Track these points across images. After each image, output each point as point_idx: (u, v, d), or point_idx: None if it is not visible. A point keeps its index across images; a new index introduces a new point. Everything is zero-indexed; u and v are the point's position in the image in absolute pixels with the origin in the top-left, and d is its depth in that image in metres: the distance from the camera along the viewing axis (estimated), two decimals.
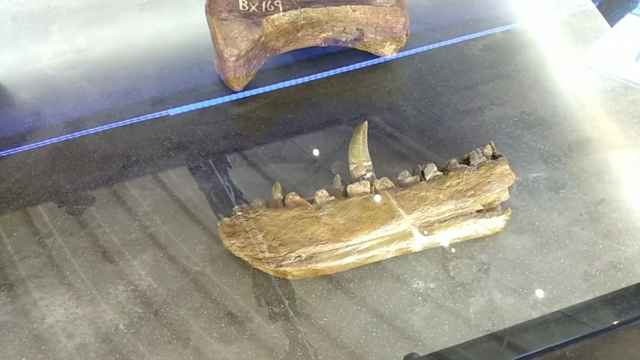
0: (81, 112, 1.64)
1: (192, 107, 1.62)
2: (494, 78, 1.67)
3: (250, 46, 1.47)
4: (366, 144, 1.39)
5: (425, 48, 1.75)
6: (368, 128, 1.42)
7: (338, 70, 1.67)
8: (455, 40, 1.77)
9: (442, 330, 1.22)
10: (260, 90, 1.64)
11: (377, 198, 1.28)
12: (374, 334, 1.23)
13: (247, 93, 1.63)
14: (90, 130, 1.58)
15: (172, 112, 1.61)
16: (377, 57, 1.69)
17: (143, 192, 1.45)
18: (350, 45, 1.66)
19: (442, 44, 1.76)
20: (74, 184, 1.47)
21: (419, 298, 1.27)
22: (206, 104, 1.61)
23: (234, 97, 1.64)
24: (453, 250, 1.34)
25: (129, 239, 1.37)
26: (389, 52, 1.66)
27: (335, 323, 1.24)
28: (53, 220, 1.40)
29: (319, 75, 1.66)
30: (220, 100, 1.63)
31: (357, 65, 1.70)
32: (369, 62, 1.70)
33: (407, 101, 1.61)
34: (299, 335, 1.23)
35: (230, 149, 1.52)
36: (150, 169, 1.49)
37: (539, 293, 1.27)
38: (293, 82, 1.66)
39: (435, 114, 1.58)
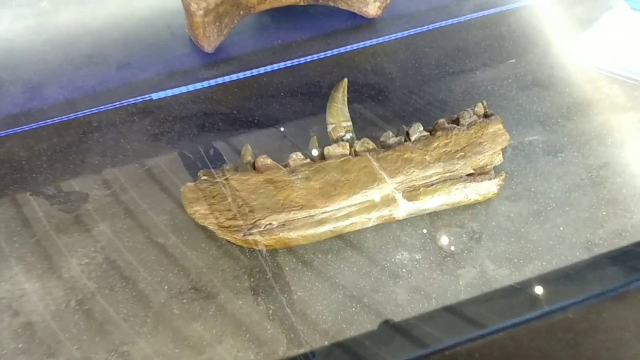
0: (42, 77, 1.51)
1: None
2: (486, 38, 1.55)
3: (220, 0, 1.35)
4: (345, 103, 1.26)
5: (412, 9, 1.63)
6: (348, 86, 1.29)
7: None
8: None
9: (429, 304, 1.10)
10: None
11: (357, 159, 1.15)
12: (353, 309, 1.10)
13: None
14: (50, 96, 1.46)
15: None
16: (361, 16, 1.57)
17: (104, 160, 1.33)
18: (331, 4, 1.54)
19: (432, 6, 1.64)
20: (29, 152, 1.34)
21: (403, 270, 1.15)
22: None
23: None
24: (439, 217, 1.22)
25: (86, 208, 1.25)
26: (373, 10, 1.53)
27: (310, 297, 1.12)
28: (4, 189, 1.28)
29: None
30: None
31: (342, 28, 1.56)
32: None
33: (393, 63, 1.49)
34: (270, 311, 1.11)
35: (199, 113, 1.40)
36: (113, 134, 1.37)
37: (537, 263, 1.15)
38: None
39: (423, 75, 1.46)
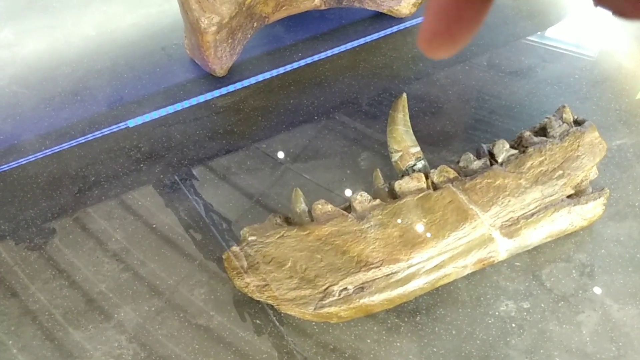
0: (12, 124, 1.23)
1: (171, 108, 1.22)
2: (537, 30, 1.35)
3: (235, 11, 1.10)
4: (409, 124, 1.04)
5: None
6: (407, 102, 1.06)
7: (350, 45, 1.31)
8: None
9: None
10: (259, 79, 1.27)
11: (440, 194, 0.93)
12: None
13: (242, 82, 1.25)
14: (27, 147, 1.18)
15: (131, 123, 1.20)
16: (392, 17, 1.34)
17: (110, 223, 1.06)
18: (357, 5, 1.31)
19: None
20: (13, 223, 1.07)
21: (513, 325, 0.93)
22: (186, 103, 1.23)
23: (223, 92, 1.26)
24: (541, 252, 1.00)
25: (97, 290, 0.98)
26: (406, 9, 1.31)
27: None
28: None
29: (329, 53, 1.29)
30: (208, 96, 1.24)
31: (375, 36, 1.33)
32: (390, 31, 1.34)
33: (438, 67, 1.27)
34: None
35: (220, 151, 1.15)
36: (116, 190, 1.10)
37: None
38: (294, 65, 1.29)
39: (476, 79, 1.25)
